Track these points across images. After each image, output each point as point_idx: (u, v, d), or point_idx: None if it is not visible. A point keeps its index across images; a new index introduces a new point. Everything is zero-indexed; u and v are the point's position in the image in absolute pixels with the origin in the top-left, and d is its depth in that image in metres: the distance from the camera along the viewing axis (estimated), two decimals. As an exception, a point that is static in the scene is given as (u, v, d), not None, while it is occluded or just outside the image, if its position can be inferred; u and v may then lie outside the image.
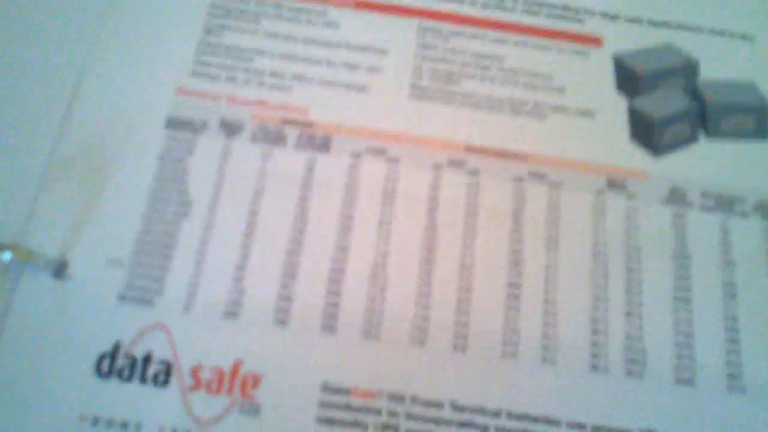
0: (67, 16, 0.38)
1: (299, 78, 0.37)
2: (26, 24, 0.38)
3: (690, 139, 0.36)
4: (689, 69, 0.37)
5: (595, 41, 0.38)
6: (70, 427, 0.30)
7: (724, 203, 0.35)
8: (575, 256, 0.33)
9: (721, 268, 0.33)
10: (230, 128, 0.36)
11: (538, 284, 0.33)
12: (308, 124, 0.36)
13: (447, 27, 0.38)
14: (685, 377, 0.31)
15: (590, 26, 0.39)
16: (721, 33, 0.39)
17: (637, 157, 0.36)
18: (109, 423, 0.30)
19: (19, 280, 0.32)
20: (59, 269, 0.32)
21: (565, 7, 0.39)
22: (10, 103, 0.36)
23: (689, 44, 0.38)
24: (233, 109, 0.36)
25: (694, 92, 0.37)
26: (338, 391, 0.31)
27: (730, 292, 0.33)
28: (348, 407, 0.30)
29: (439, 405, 0.31)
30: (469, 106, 0.36)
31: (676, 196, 0.35)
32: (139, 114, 0.36)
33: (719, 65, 0.38)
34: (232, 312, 0.32)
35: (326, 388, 0.31)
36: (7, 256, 0.32)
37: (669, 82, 0.37)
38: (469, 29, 0.38)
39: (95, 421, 0.30)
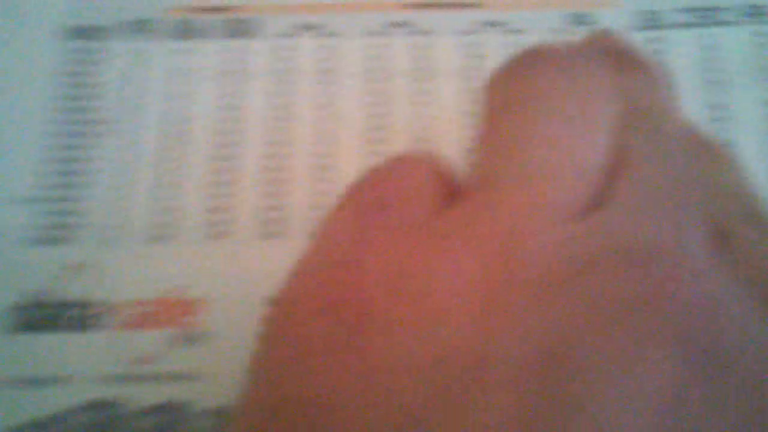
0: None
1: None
2: None
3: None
4: None
5: None
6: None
7: (707, 14, 0.30)
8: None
9: (704, 85, 0.29)
10: (143, 29, 0.30)
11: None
12: (229, 10, 0.31)
13: None
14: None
15: None
16: None
17: (599, -12, 0.31)
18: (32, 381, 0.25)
19: None
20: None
21: None
22: None
23: None
24: (145, 6, 0.31)
25: None
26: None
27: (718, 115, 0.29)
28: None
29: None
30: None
31: (649, 21, 0.30)
32: (24, 24, 0.30)
33: None
34: (159, 236, 0.27)
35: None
36: None
37: None
38: None
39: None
